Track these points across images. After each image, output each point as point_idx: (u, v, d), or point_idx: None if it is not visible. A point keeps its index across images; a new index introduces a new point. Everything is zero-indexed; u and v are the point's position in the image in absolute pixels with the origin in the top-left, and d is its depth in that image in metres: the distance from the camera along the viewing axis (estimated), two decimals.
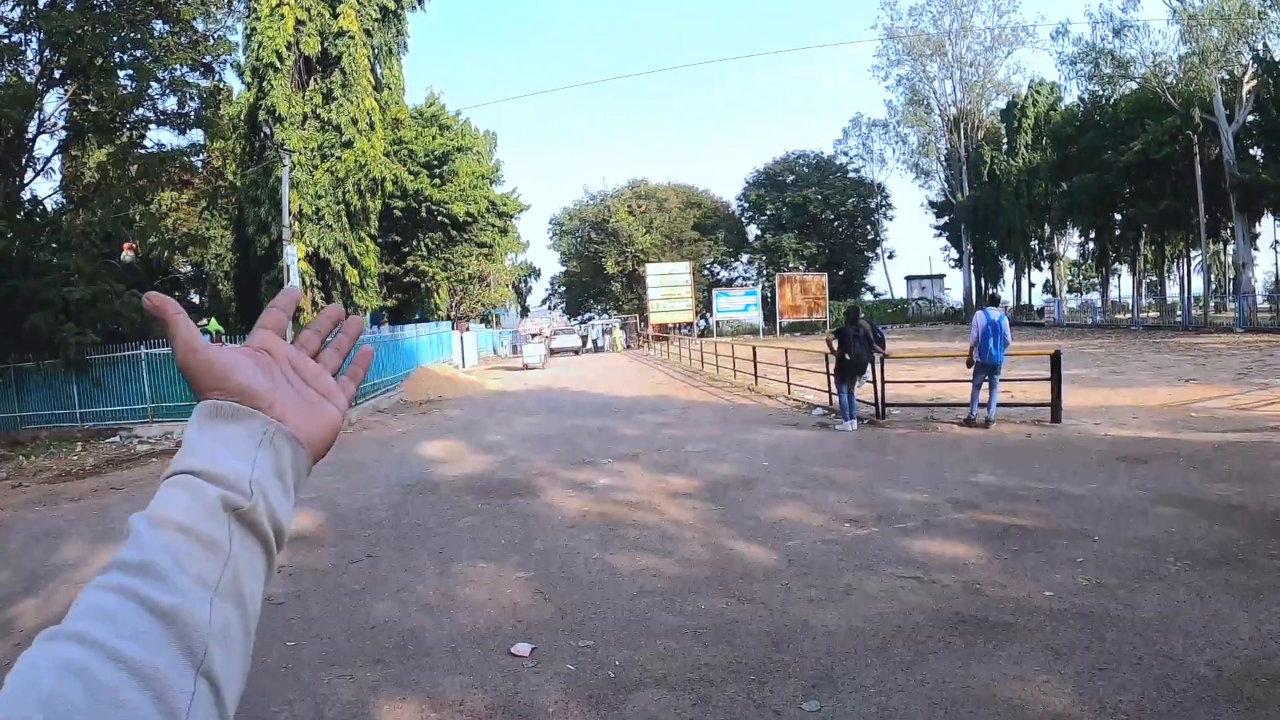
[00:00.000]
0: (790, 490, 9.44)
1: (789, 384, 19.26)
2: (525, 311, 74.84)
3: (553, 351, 48.65)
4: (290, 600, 6.65)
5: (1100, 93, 48.48)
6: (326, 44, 28.63)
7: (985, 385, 13.32)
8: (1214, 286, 55.91)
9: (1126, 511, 7.76)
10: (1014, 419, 13.56)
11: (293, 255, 23.72)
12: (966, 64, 62.63)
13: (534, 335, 43.80)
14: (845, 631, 5.28)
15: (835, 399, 14.80)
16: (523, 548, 7.70)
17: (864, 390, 14.76)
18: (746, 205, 73.13)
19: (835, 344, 14.06)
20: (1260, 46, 39.31)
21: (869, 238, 73.47)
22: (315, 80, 29.02)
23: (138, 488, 13.32)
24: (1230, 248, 52.82)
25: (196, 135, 27.69)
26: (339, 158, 27.77)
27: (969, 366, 13.47)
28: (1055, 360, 13.44)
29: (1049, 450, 11.06)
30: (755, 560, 6.86)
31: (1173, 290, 60.49)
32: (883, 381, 14.40)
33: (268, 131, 28.36)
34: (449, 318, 47.45)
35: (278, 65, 27.83)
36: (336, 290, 28.64)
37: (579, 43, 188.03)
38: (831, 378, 15.04)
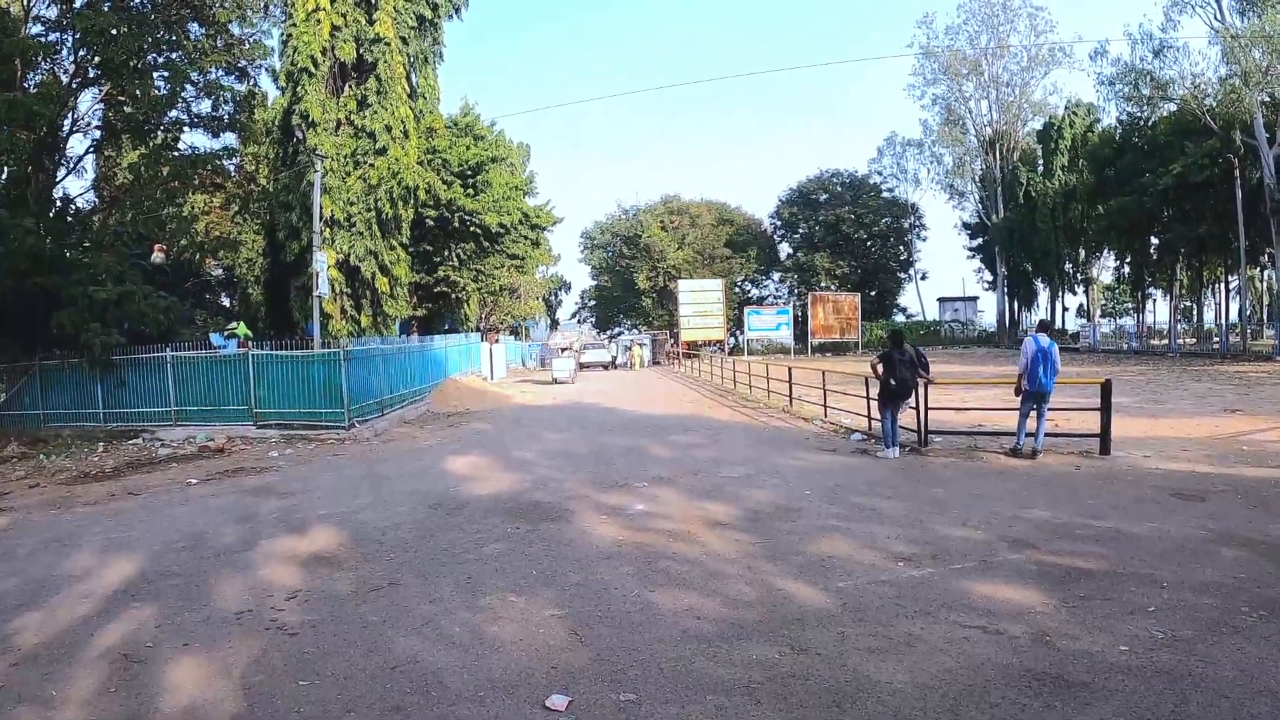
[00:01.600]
0: (835, 522, 9.01)
1: (825, 406, 18.80)
2: (555, 324, 74.87)
3: (582, 366, 48.39)
4: (305, 631, 6.28)
5: (1139, 114, 47.50)
6: (362, 50, 28.52)
7: (1033, 414, 12.85)
8: (1250, 313, 54.96)
9: (1190, 553, 7.34)
10: (1061, 450, 13.09)
11: (322, 262, 23.52)
12: (1003, 84, 62.16)
13: (564, 350, 43.56)
14: (912, 689, 4.84)
15: (876, 424, 14.33)
16: (555, 580, 7.30)
17: (906, 416, 14.28)
18: (779, 223, 72.78)
19: (880, 368, 13.60)
20: None
21: (902, 258, 72.86)
22: (350, 87, 28.93)
23: (153, 494, 13.08)
24: (1268, 274, 51.99)
25: (230, 139, 27.78)
26: (372, 164, 27.61)
27: (1017, 394, 12.98)
28: (1105, 390, 12.93)
29: (1101, 484, 10.57)
30: (806, 602, 6.44)
31: (1207, 316, 59.72)
32: (927, 408, 13.92)
33: (300, 136, 28.22)
34: (478, 329, 47.33)
35: (312, 70, 27.73)
36: (366, 299, 28.44)
37: (614, 57, 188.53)
38: (874, 402, 14.58)
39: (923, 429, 13.95)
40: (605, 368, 51.61)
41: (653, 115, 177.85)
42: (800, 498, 10.35)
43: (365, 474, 13.89)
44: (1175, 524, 8.37)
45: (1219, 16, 39.81)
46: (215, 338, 25.05)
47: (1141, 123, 47.80)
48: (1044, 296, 63.28)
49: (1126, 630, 5.60)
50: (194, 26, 24.37)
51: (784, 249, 73.27)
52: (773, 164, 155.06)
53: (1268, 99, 38.82)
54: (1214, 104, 41.10)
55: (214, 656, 5.83)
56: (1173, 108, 44.79)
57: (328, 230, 26.96)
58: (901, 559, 7.50)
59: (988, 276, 69.09)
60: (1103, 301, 73.55)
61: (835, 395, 18.69)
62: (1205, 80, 42.00)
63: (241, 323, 30.27)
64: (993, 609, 6.10)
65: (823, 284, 65.45)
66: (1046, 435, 13.00)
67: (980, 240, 68.28)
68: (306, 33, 27.68)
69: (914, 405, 13.94)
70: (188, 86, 24.32)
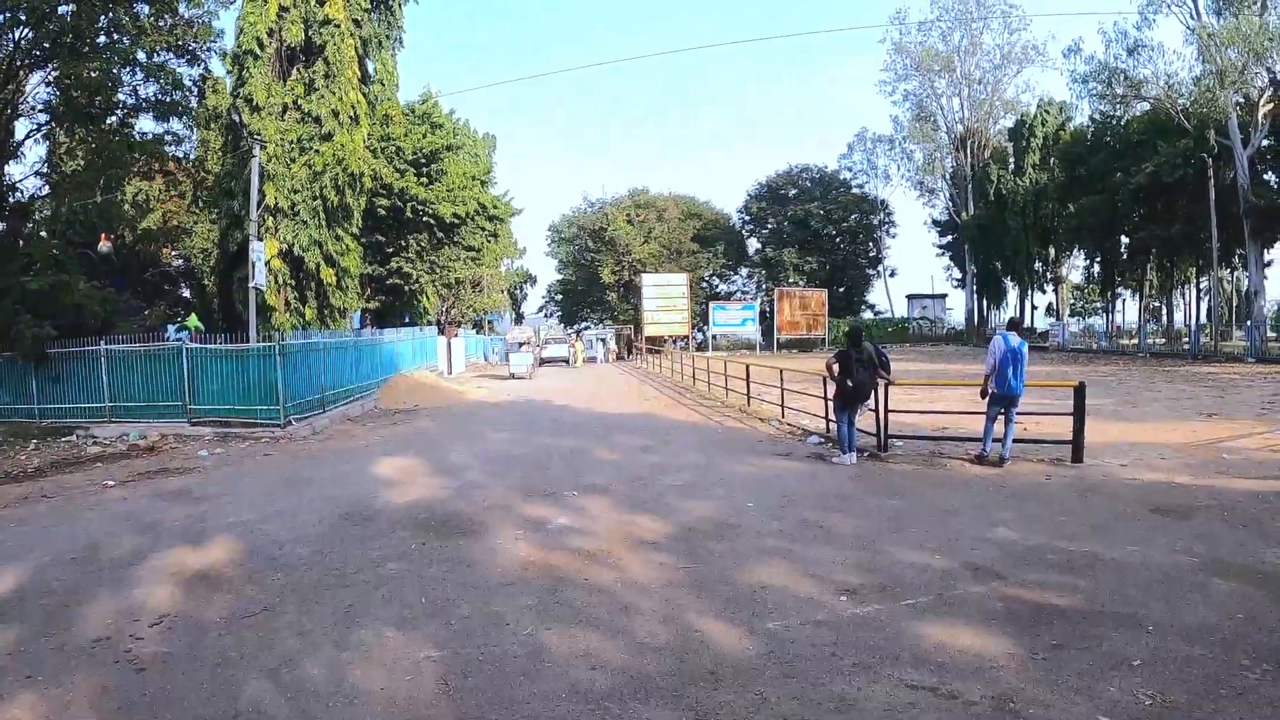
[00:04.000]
0: (776, 543, 8.01)
1: (783, 407, 17.84)
2: (520, 318, 73.85)
3: (543, 361, 47.48)
4: (155, 667, 5.45)
5: (1111, 113, 47.41)
6: (311, 32, 27.25)
7: (1000, 418, 11.95)
8: (1220, 314, 54.88)
9: (1178, 585, 6.43)
10: (1030, 457, 12.19)
11: (259, 252, 22.32)
12: (975, 81, 61.74)
13: (521, 344, 42.48)
14: None
15: (834, 426, 13.39)
16: (444, 611, 6.29)
17: (865, 419, 13.36)
18: (747, 218, 72.21)
19: (836, 368, 12.65)
20: (1279, 69, 38.20)
21: (870, 255, 72.47)
22: (298, 70, 27.64)
23: (68, 496, 12.06)
24: (1238, 275, 52.04)
25: (180, 124, 26.65)
26: (317, 151, 26.36)
27: (984, 397, 12.07)
28: (1079, 394, 12.08)
29: (1074, 497, 9.68)
30: (726, 649, 5.41)
31: (1177, 317, 59.87)
32: (886, 411, 12.98)
33: (237, 119, 26.98)
34: (438, 322, 46.21)
35: (258, 53, 26.45)
36: (311, 290, 27.20)
37: (585, 50, 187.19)
38: (830, 404, 13.64)
39: (882, 433, 13.00)
40: (566, 362, 50.51)
41: (623, 109, 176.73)
42: (742, 511, 9.36)
43: (289, 477, 12.87)
44: (1158, 548, 7.49)
45: (1195, 15, 39.45)
46: (170, 330, 24.11)
47: (1114, 121, 47.76)
48: (1013, 295, 63.05)
49: (1107, 693, 4.64)
50: (142, 7, 23.29)
51: (752, 244, 72.76)
52: (743, 159, 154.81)
53: (1242, 99, 38.73)
54: (1188, 103, 40.94)
55: (51, 695, 5.11)
56: (1146, 107, 44.75)
57: (270, 219, 25.73)
58: (845, 591, 6.51)
59: (957, 274, 68.88)
60: (1072, 301, 73.33)
61: (794, 395, 17.72)
62: (1179, 80, 41.77)
63: (195, 314, 29.09)
64: (948, 661, 5.12)
65: (790, 280, 64.85)
66: (1015, 441, 12.11)
67: (950, 238, 68.00)
68: (253, 13, 26.40)
69: (873, 408, 13.02)
70: (135, 70, 23.34)
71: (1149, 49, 42.01)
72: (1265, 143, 39.60)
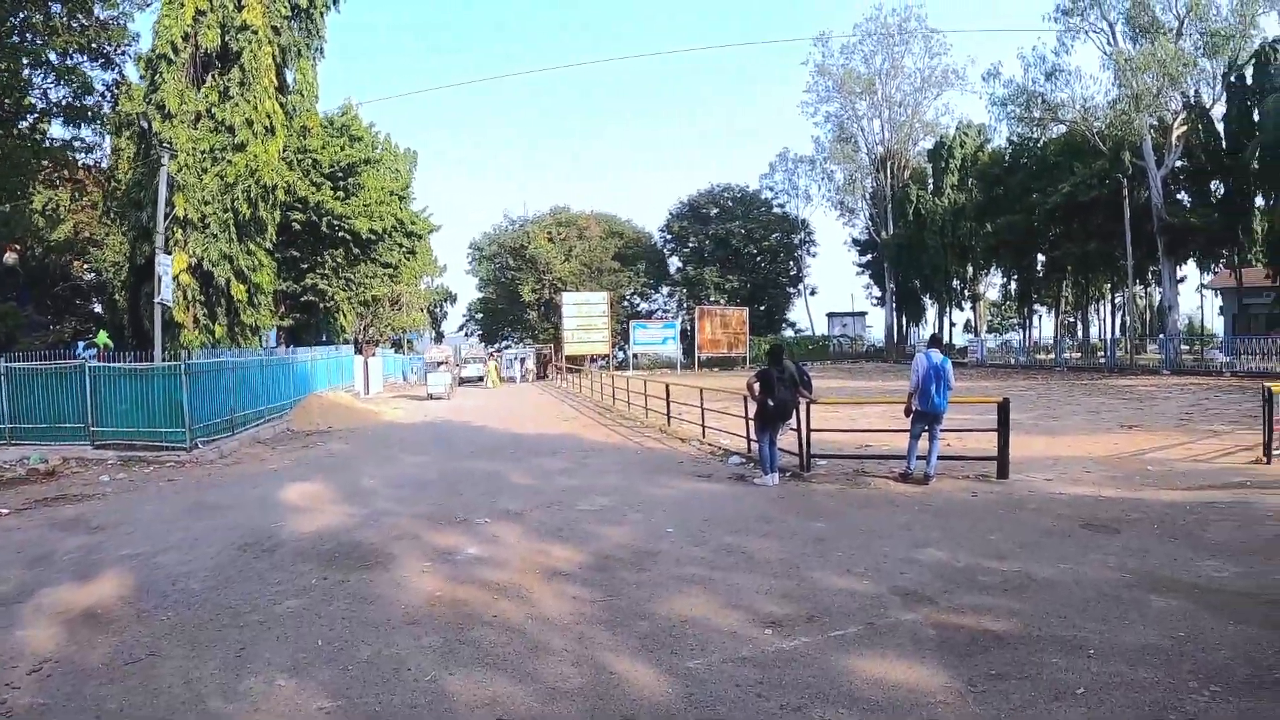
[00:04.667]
0: (697, 570, 7.66)
1: (704, 426, 17.56)
2: (440, 337, 72.86)
3: (463, 381, 46.76)
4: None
5: (1029, 135, 49.04)
6: (228, 38, 26.35)
7: (924, 435, 11.87)
8: (1135, 328, 56.62)
9: (1115, 604, 6.27)
10: (955, 473, 12.09)
11: (166, 266, 21.42)
12: (895, 104, 62.71)
13: (440, 364, 41.72)
14: None
15: (755, 447, 13.14)
16: (342, 654, 5.80)
17: (787, 438, 13.14)
18: (669, 236, 72.28)
19: (757, 387, 12.40)
20: (1192, 93, 40.43)
21: (791, 273, 73.02)
22: (213, 77, 26.72)
23: None
24: (1151, 290, 53.86)
25: (90, 131, 25.63)
26: (230, 161, 25.47)
27: (907, 415, 11.95)
28: (1003, 409, 12.04)
29: (1002, 514, 9.57)
30: (642, 692, 5.02)
31: (1092, 331, 62.11)
32: (809, 430, 12.75)
33: (147, 126, 25.96)
34: (355, 341, 45.25)
35: (171, 57, 25.47)
36: (221, 307, 26.24)
37: (511, 63, 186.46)
38: (751, 423, 13.39)
39: (805, 452, 12.76)
40: (484, 381, 49.78)
41: (548, 125, 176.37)
42: (661, 537, 9.00)
43: (191, 504, 12.13)
44: (1091, 564, 7.35)
45: (1112, 41, 41.36)
46: (79, 347, 23.01)
47: (1031, 143, 49.35)
48: (932, 312, 64.26)
49: None
50: (55, 6, 22.33)
51: (674, 263, 72.78)
52: (666, 177, 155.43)
53: (1156, 122, 40.42)
54: (1104, 126, 42.55)
55: None
56: (1063, 129, 46.27)
57: (180, 232, 24.73)
58: (770, 623, 6.17)
59: (876, 292, 69.80)
60: (989, 317, 74.91)
61: (715, 415, 17.44)
62: (1096, 103, 43.44)
63: (104, 331, 27.90)
64: (880, 699, 4.81)
65: (712, 298, 65.00)
66: (940, 458, 11.98)
67: (870, 256, 68.93)
68: (169, 15, 25.44)
69: (795, 427, 12.79)
70: (47, 72, 22.35)
71: (1067, 73, 43.85)
72: (1179, 164, 41.38)
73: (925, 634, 5.87)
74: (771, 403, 12.17)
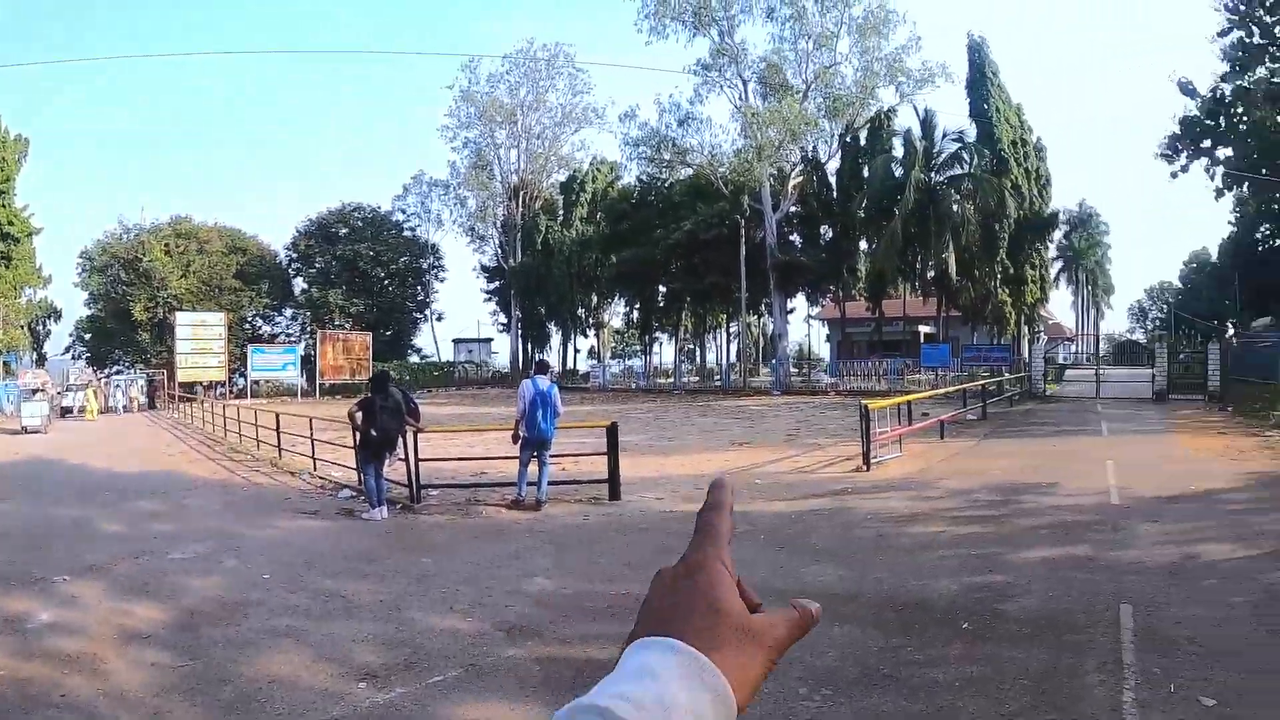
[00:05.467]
0: (292, 621, 6.90)
1: (314, 459, 16.42)
2: (42, 360, 64.16)
3: (64, 411, 41.29)
4: None
5: (658, 175, 51.96)
6: None
7: (534, 461, 11.75)
8: (749, 353, 61.24)
9: None
10: (568, 498, 12.15)
11: None
12: (535, 135, 63.46)
13: (35, 391, 36.57)
14: None
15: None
16: None
17: (397, 469, 12.57)
18: (295, 256, 68.41)
19: (359, 416, 11.73)
20: (811, 149, 45.83)
21: (419, 298, 71.80)
22: None
23: None
24: (763, 319, 58.97)
25: None
26: None
27: (515, 442, 11.77)
28: (611, 432, 12.29)
29: (611, 535, 9.72)
30: None
31: (710, 357, 66.96)
32: (417, 459, 12.26)
33: None
34: None
35: None
36: None
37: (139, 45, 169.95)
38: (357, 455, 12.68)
39: (414, 483, 12.23)
40: (84, 411, 44.31)
41: (175, 126, 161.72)
42: (255, 585, 8.08)
43: None
44: None
45: (744, 97, 45.32)
46: None
47: (659, 183, 52.66)
48: (557, 339, 65.72)
49: None
50: None
51: (299, 284, 68.92)
52: (299, 192, 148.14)
53: (776, 171, 45.05)
54: (728, 172, 46.13)
55: None
56: (690, 172, 49.51)
57: None
58: (366, 675, 5.63)
59: (503, 319, 70.12)
60: (613, 344, 78.03)
61: (328, 445, 16.21)
62: (723, 151, 46.95)
63: None
64: None
65: (337, 322, 62.29)
66: (554, 483, 12.02)
67: (498, 283, 69.05)
68: None
69: (403, 457, 12.27)
70: None
71: (699, 121, 47.01)
72: (794, 209, 46.69)
73: (529, 671, 5.64)
74: (375, 432, 11.53)
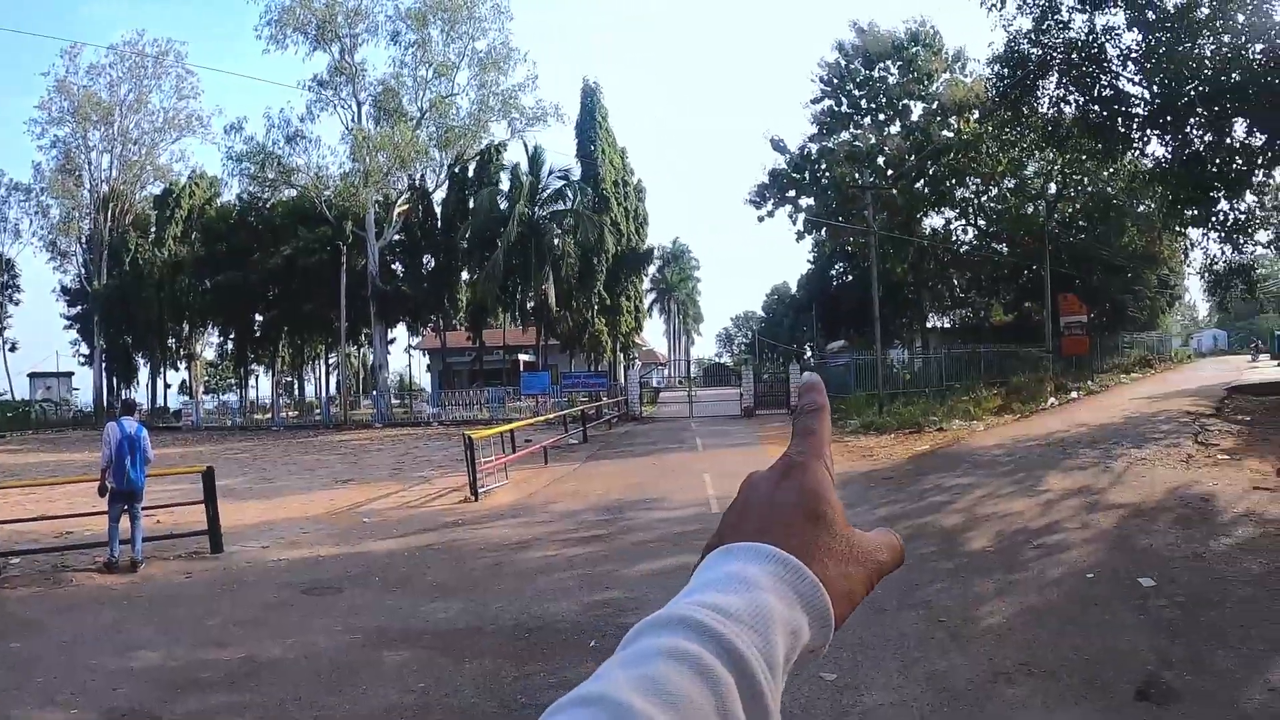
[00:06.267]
0: None
1: None
2: None
3: None
4: None
5: (260, 194, 49.40)
6: None
7: (125, 516, 10.59)
8: (349, 385, 59.53)
9: (349, 671, 6.32)
10: (167, 554, 11.13)
11: None
12: (132, 140, 56.28)
13: None
14: None
15: None
16: None
17: None
18: None
19: None
20: (419, 177, 46.24)
21: None
22: None
23: None
24: (364, 350, 58.27)
25: None
26: None
27: (102, 494, 10.53)
28: (207, 478, 11.48)
29: (220, 594, 9.12)
30: None
31: (309, 390, 64.57)
32: None
33: None
34: None
35: None
36: None
37: None
38: None
39: None
40: None
41: None
42: None
43: None
44: (319, 633, 7.33)
45: (356, 119, 44.77)
46: None
47: (261, 203, 50.06)
48: (145, 373, 59.48)
49: None
50: None
51: None
52: None
53: (382, 198, 44.94)
54: (332, 195, 45.24)
55: None
56: (294, 193, 47.77)
57: None
58: None
59: (86, 350, 61.86)
60: (206, 378, 72.08)
61: None
62: (330, 173, 45.95)
63: None
64: None
65: None
66: (149, 539, 10.98)
67: (81, 308, 60.31)
68: None
69: None
70: None
71: (308, 140, 45.55)
72: (397, 237, 46.83)
73: None
74: None
